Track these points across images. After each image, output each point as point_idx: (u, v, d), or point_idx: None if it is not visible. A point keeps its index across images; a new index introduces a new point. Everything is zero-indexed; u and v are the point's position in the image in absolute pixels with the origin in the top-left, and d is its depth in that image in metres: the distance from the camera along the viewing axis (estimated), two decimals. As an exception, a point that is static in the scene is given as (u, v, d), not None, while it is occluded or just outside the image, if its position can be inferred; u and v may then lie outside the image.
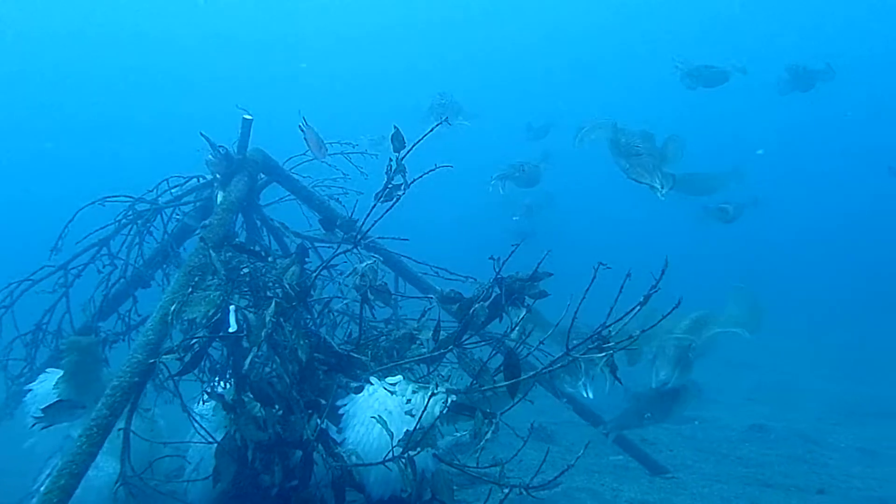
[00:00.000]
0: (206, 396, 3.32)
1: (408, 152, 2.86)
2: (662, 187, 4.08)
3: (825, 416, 8.25)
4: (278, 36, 30.69)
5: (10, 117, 27.53)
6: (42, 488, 2.73)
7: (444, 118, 2.86)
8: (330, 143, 4.50)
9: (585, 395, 3.63)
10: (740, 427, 7.28)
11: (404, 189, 2.92)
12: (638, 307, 2.84)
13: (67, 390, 3.55)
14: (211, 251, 3.14)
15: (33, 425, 3.24)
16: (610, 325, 2.81)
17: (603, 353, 2.79)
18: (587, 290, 2.87)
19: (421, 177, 2.93)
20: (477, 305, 3.07)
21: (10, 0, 26.87)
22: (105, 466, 3.62)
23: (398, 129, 2.82)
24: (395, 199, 2.96)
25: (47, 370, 3.95)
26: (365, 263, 3.05)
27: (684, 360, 4.70)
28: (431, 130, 2.82)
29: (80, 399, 3.41)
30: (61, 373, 3.82)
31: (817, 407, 8.90)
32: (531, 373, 2.96)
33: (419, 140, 2.84)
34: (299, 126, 3.83)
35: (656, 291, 2.82)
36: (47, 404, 3.39)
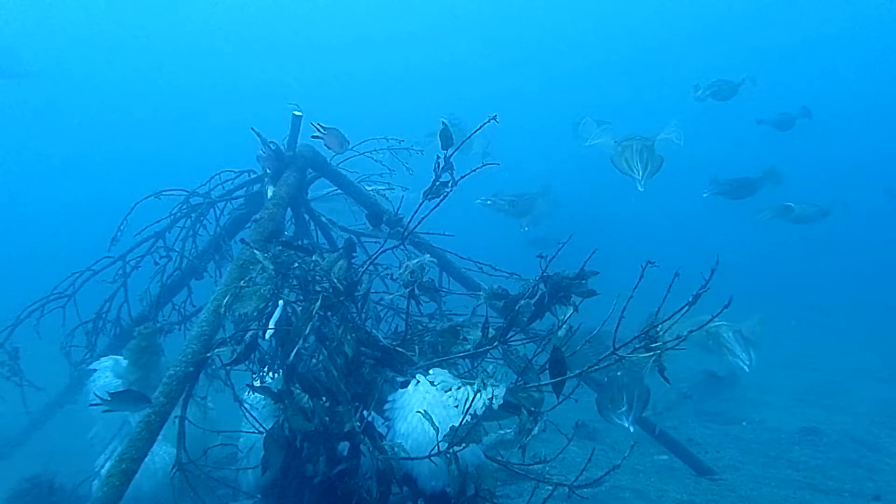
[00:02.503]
0: (255, 387, 3.41)
1: (455, 150, 2.88)
2: (642, 178, 4.24)
3: (878, 420, 7.96)
4: (318, 38, 31.06)
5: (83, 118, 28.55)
6: (103, 471, 2.86)
7: (493, 116, 2.84)
8: (376, 140, 4.54)
9: (625, 427, 3.58)
10: (790, 429, 7.10)
11: (451, 186, 2.94)
12: (687, 307, 2.80)
13: (132, 376, 3.69)
14: (256, 251, 3.21)
15: (93, 404, 3.37)
16: (657, 325, 2.77)
17: (650, 353, 2.75)
18: (635, 288, 2.84)
19: (468, 174, 2.94)
20: (522, 302, 3.06)
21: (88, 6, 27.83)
22: (161, 451, 3.78)
23: (446, 126, 2.83)
24: (442, 197, 2.98)
25: (106, 357, 4.12)
26: (415, 261, 3.08)
27: (748, 341, 4.79)
28: (480, 128, 2.83)
29: (144, 384, 3.55)
30: (121, 360, 3.99)
31: (869, 410, 8.59)
32: (577, 371, 2.94)
33: (467, 138, 2.85)
34: (313, 136, 3.88)
35: (706, 291, 2.77)
36: (110, 390, 3.54)
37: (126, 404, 3.07)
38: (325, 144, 4.13)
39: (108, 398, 3.00)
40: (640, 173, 4.25)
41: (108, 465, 2.83)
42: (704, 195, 7.41)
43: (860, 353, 12.76)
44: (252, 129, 4.10)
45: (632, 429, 3.63)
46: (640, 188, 4.29)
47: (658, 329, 2.80)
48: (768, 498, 4.60)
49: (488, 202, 6.42)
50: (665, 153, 4.33)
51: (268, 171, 4.14)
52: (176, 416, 3.08)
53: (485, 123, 2.86)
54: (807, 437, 6.75)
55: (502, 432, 3.12)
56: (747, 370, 4.96)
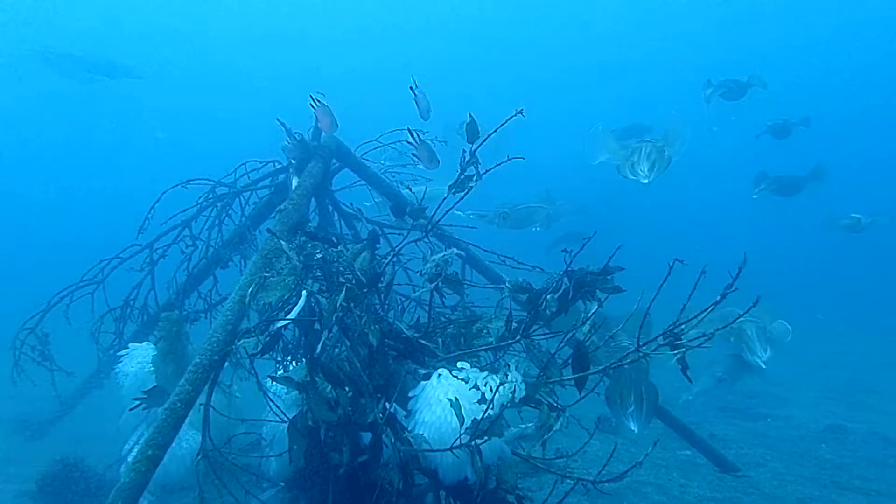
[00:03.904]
0: (277, 377, 3.44)
1: (481, 143, 2.86)
2: (646, 177, 4.31)
3: (908, 419, 7.81)
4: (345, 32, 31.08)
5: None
6: (130, 457, 2.91)
7: (520, 110, 2.81)
8: (400, 131, 4.53)
9: (630, 428, 3.55)
10: (816, 426, 7.00)
11: (476, 180, 2.92)
12: (712, 306, 2.76)
13: (160, 364, 3.76)
14: (282, 241, 3.23)
15: (133, 407, 3.44)
16: (682, 324, 2.74)
17: (675, 351, 2.72)
18: (661, 285, 2.81)
19: (493, 168, 2.92)
20: (547, 296, 3.05)
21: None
22: (189, 438, 3.84)
23: (473, 119, 2.81)
24: (467, 190, 2.97)
25: (134, 344, 4.19)
26: (441, 254, 3.07)
27: (769, 338, 4.86)
28: (507, 122, 2.80)
29: (172, 372, 3.61)
30: (148, 346, 4.05)
31: (897, 409, 8.43)
32: (599, 367, 2.93)
33: (494, 131, 2.83)
34: (408, 140, 3.86)
35: (734, 290, 2.73)
36: (137, 378, 3.62)
37: (156, 399, 3.14)
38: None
39: (142, 395, 3.08)
40: (647, 172, 4.29)
41: (134, 450, 2.88)
42: (755, 196, 7.49)
43: (886, 352, 12.52)
44: (277, 119, 4.12)
45: (636, 430, 3.59)
46: (643, 181, 4.33)
47: (683, 327, 2.77)
48: (793, 496, 4.54)
49: (472, 215, 5.88)
50: (678, 152, 4.41)
51: (292, 161, 4.16)
52: (201, 404, 3.12)
53: (512, 116, 2.84)
54: (833, 435, 6.65)
55: (524, 426, 3.11)
56: (763, 367, 4.99)
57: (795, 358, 11.03)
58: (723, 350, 5.71)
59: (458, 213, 4.35)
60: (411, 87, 3.99)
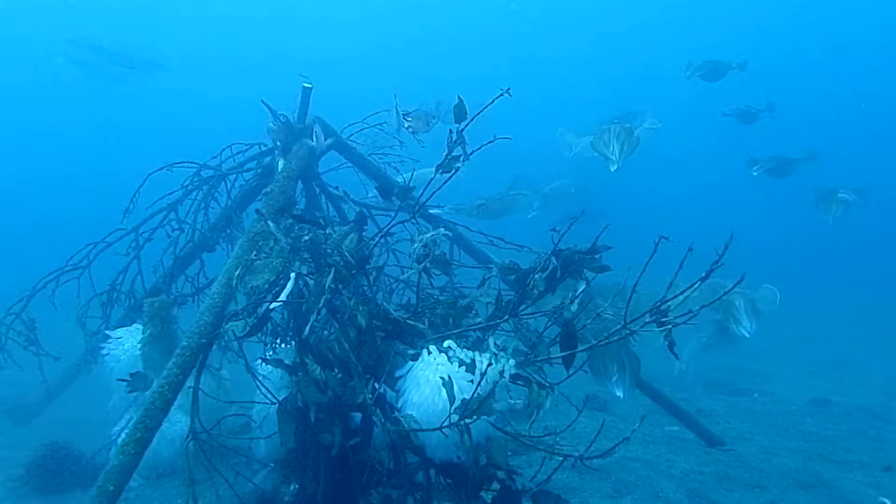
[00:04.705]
0: (267, 359, 3.44)
1: (467, 124, 2.85)
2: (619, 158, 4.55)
3: (890, 392, 7.96)
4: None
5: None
6: (119, 440, 2.91)
7: (506, 89, 2.80)
8: (387, 112, 4.51)
9: (617, 395, 3.66)
10: (801, 401, 7.11)
11: (463, 160, 2.91)
12: (699, 282, 2.78)
13: (148, 348, 3.75)
14: (270, 222, 3.21)
15: (130, 390, 3.45)
16: (669, 300, 2.76)
17: (662, 328, 2.75)
18: (647, 262, 2.83)
19: (480, 148, 2.91)
20: (535, 276, 3.06)
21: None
22: (177, 420, 3.85)
23: (461, 100, 2.79)
24: (454, 171, 2.96)
25: (121, 328, 4.18)
26: (429, 234, 3.07)
27: (755, 308, 4.99)
28: (493, 102, 2.79)
29: (161, 356, 3.62)
30: (136, 330, 4.04)
31: (881, 382, 8.59)
32: (587, 345, 2.95)
33: (479, 112, 2.81)
34: (402, 123, 3.83)
35: (719, 266, 2.76)
36: (125, 362, 3.61)
37: (141, 384, 3.14)
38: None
39: (129, 378, 3.08)
40: (617, 154, 4.42)
41: (123, 434, 2.88)
42: (753, 174, 7.72)
43: (870, 328, 12.73)
44: (262, 101, 4.08)
45: (622, 396, 3.71)
46: (612, 168, 4.50)
47: (669, 304, 2.80)
48: (778, 468, 4.62)
49: (448, 209, 5.68)
50: (652, 137, 4.66)
51: (278, 143, 4.13)
52: (189, 387, 3.12)
53: (498, 97, 2.82)
54: (818, 408, 6.76)
55: (512, 402, 3.14)
56: (748, 336, 5.11)
57: (779, 334, 11.19)
58: (710, 317, 5.84)
59: (435, 209, 4.38)
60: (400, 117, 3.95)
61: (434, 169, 2.95)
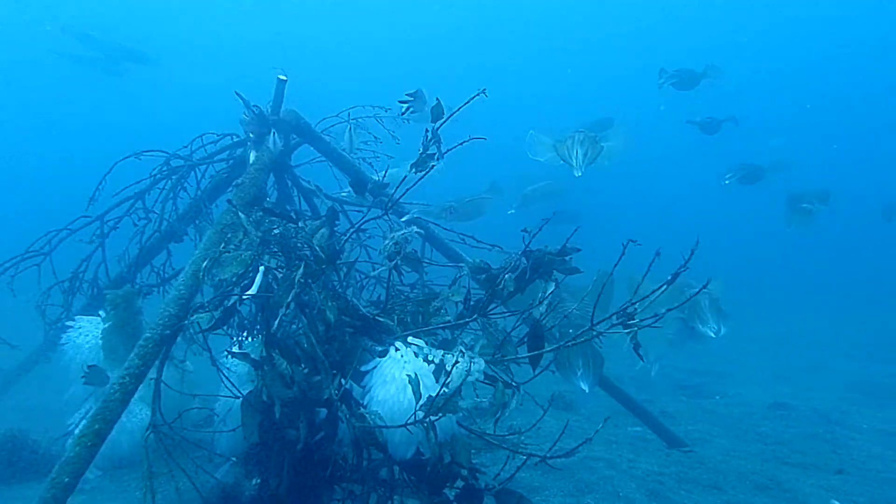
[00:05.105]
0: (234, 352, 3.41)
1: (443, 123, 2.85)
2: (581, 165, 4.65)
3: (847, 397, 8.19)
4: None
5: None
6: (77, 430, 2.86)
7: (482, 90, 2.81)
8: (363, 107, 4.48)
9: (582, 389, 3.73)
10: (762, 404, 7.27)
11: (437, 159, 2.92)
12: (665, 286, 2.83)
13: (110, 338, 3.68)
14: (241, 213, 3.17)
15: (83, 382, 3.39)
16: (636, 303, 2.80)
17: (628, 330, 2.78)
18: (615, 266, 2.87)
19: (454, 147, 2.92)
20: (505, 276, 3.07)
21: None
22: (137, 412, 3.78)
23: (439, 101, 2.80)
24: (427, 169, 2.96)
25: (82, 317, 4.09)
26: (400, 232, 3.06)
27: (721, 309, 5.17)
28: (469, 101, 2.79)
29: (122, 346, 3.56)
30: (96, 320, 3.96)
31: (840, 386, 8.83)
32: (554, 345, 2.98)
33: (455, 111, 2.82)
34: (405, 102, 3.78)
35: (685, 270, 2.81)
36: (85, 352, 3.53)
37: (97, 378, 3.08)
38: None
39: (86, 371, 3.03)
40: (580, 160, 4.57)
41: (81, 424, 2.83)
42: (726, 182, 7.95)
43: (834, 331, 13.05)
44: (236, 92, 4.02)
45: (587, 390, 3.78)
46: (576, 174, 4.59)
47: (636, 306, 2.84)
48: (736, 470, 4.72)
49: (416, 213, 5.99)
50: (624, 148, 4.75)
51: (250, 135, 4.08)
52: (152, 378, 3.07)
53: (474, 97, 2.83)
54: (777, 412, 6.92)
55: (479, 400, 3.16)
56: (714, 337, 5.20)
57: (749, 337, 11.45)
58: (676, 314, 5.94)
59: (407, 210, 4.38)
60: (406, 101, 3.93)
61: (409, 166, 2.95)
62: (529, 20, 30.33)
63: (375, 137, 4.73)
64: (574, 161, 4.65)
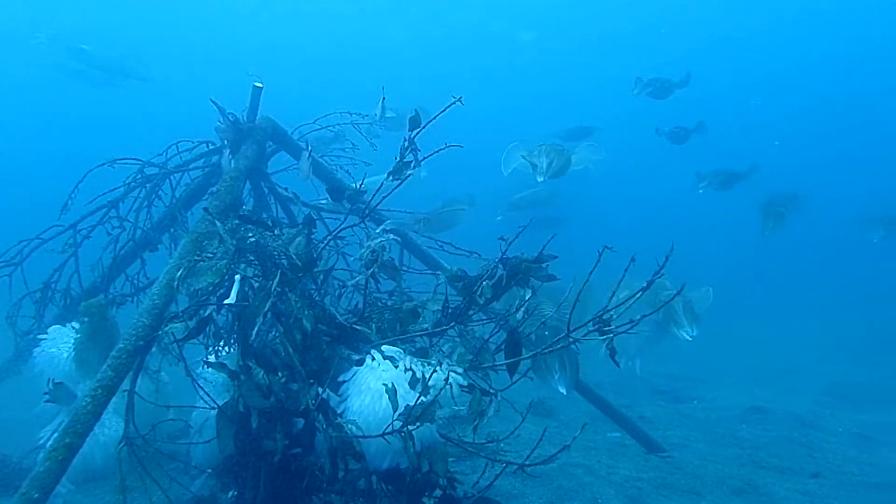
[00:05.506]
0: (210, 362, 3.36)
1: (419, 132, 2.85)
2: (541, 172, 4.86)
3: (823, 400, 8.30)
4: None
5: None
6: (48, 444, 2.80)
7: (458, 97, 2.82)
8: (340, 114, 4.48)
9: (560, 392, 3.76)
10: (739, 408, 7.34)
11: (414, 166, 2.92)
12: (640, 292, 2.85)
13: (83, 350, 3.62)
14: (217, 221, 3.14)
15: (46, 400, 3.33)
16: (612, 309, 2.82)
17: (604, 337, 2.80)
18: (591, 272, 2.89)
19: (431, 155, 2.93)
20: (482, 283, 3.08)
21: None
22: (111, 424, 3.72)
23: (417, 113, 2.82)
24: (404, 177, 2.96)
25: (55, 327, 4.02)
26: (378, 240, 3.06)
27: (696, 313, 5.18)
28: (445, 110, 2.80)
29: (95, 357, 3.50)
30: (70, 330, 3.89)
31: (817, 390, 8.95)
32: (531, 352, 2.99)
33: (431, 119, 2.83)
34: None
35: (660, 277, 2.84)
36: (56, 363, 3.47)
37: (63, 397, 3.03)
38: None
39: (50, 388, 2.98)
40: (545, 168, 4.79)
41: (53, 438, 2.77)
42: (700, 191, 8.09)
43: (813, 335, 13.22)
44: (210, 99, 3.99)
45: (565, 392, 3.81)
46: (538, 179, 4.83)
47: (612, 313, 2.86)
48: (714, 475, 4.76)
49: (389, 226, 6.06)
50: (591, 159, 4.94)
51: (226, 142, 4.05)
52: (125, 390, 3.02)
53: (450, 105, 2.84)
54: (754, 416, 6.99)
55: (457, 408, 3.15)
56: (690, 340, 5.24)
57: (727, 341, 11.57)
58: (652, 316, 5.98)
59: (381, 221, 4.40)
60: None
61: (387, 175, 2.96)
62: (526, 23, 30.46)
63: (353, 144, 4.72)
64: (538, 169, 4.79)
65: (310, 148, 3.98)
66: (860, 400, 8.29)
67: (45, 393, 3.33)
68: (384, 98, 3.74)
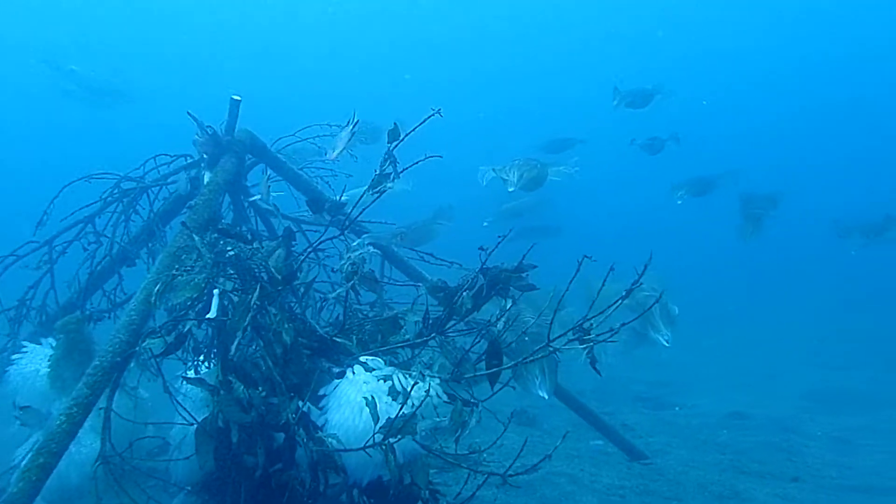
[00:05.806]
0: (189, 378, 3.33)
1: (398, 143, 2.87)
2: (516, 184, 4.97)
3: (803, 405, 8.38)
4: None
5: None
6: (23, 463, 2.75)
7: (437, 109, 2.84)
8: (320, 125, 4.48)
9: (541, 396, 3.77)
10: (719, 414, 7.40)
11: (393, 178, 2.93)
12: (619, 301, 2.88)
13: (58, 367, 3.56)
14: (195, 235, 3.12)
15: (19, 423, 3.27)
16: (591, 318, 2.84)
17: (584, 346, 2.82)
18: (571, 281, 2.91)
19: (411, 166, 2.94)
20: (463, 294, 3.09)
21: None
22: (87, 442, 3.65)
23: (396, 126, 2.83)
24: (382, 189, 2.97)
25: (30, 345, 3.95)
26: (357, 252, 3.06)
27: (672, 315, 5.23)
28: (424, 122, 2.82)
29: (71, 375, 3.45)
30: (43, 349, 3.82)
31: (797, 395, 9.03)
32: (512, 362, 3.00)
33: (410, 131, 2.84)
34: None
35: (639, 286, 2.87)
36: (31, 380, 3.41)
37: (34, 419, 2.99)
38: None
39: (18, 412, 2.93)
40: (514, 179, 4.91)
41: (27, 458, 2.72)
42: (679, 202, 8.18)
43: (792, 341, 13.35)
44: (188, 112, 3.98)
45: (546, 397, 3.82)
46: (509, 189, 4.93)
47: (591, 322, 2.88)
48: (695, 481, 4.79)
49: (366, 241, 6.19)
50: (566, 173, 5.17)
51: (204, 156, 4.03)
52: (101, 408, 2.98)
53: (429, 117, 2.85)
54: (734, 422, 7.05)
55: (438, 419, 3.15)
56: (667, 345, 5.27)
57: (708, 347, 11.66)
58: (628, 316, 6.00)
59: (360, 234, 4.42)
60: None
61: (364, 188, 2.96)
62: (518, 28, 30.64)
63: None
64: (509, 182, 4.93)
65: (268, 174, 4.00)
66: (839, 404, 8.38)
67: (16, 416, 3.27)
68: (357, 121, 3.73)
